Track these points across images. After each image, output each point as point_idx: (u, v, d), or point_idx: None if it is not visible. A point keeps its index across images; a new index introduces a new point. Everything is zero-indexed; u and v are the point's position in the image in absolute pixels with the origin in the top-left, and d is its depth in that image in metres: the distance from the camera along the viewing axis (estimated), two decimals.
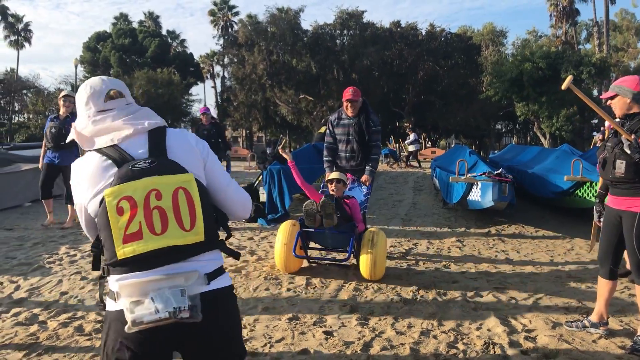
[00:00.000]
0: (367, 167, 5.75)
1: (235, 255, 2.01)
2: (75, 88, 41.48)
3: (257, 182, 9.48)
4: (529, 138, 49.24)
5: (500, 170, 7.22)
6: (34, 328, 4.05)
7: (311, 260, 5.66)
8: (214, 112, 56.20)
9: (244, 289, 4.99)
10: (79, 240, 6.84)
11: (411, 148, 21.03)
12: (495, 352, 3.65)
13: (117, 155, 1.80)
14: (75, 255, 6.09)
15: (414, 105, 39.33)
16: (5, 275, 5.26)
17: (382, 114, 40.22)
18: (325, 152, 5.95)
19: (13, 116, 52.66)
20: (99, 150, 1.84)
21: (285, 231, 5.26)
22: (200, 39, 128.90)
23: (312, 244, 5.55)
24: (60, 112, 7.55)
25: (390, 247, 6.68)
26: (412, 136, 21.16)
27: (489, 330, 4.03)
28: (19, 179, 9.64)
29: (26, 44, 57.14)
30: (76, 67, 42.57)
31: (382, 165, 21.42)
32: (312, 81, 37.02)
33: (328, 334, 3.96)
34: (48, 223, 7.80)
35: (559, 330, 4.03)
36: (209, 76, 60.86)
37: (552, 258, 6.18)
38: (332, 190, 5.23)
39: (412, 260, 6.09)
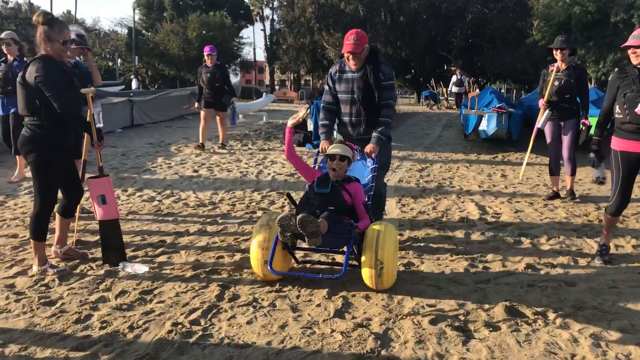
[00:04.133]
0: (374, 134, 4.31)
1: None
2: (133, 31, 43.64)
3: (305, 115, 11.24)
4: None
5: (502, 104, 8.72)
6: (155, 204, 6.00)
7: (297, 268, 4.20)
8: (262, 55, 57.33)
9: (295, 193, 6.84)
10: (171, 154, 8.83)
11: (455, 89, 20.97)
12: (467, 222, 5.36)
13: None
14: (170, 163, 8.09)
15: (462, 48, 39.63)
16: (125, 174, 7.25)
17: (428, 57, 40.80)
18: (321, 115, 4.63)
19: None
20: None
21: (262, 230, 3.83)
22: None
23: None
24: (9, 56, 6.57)
25: (410, 166, 8.37)
26: (454, 78, 21.04)
27: (467, 212, 5.73)
28: (111, 110, 11.68)
29: None
30: (134, 10, 44.59)
31: (422, 106, 22.71)
32: (360, 24, 37.66)
33: None
34: (14, 179, 6.89)
35: (519, 214, 5.68)
36: (258, 19, 61.95)
37: (540, 175, 7.72)
38: (332, 169, 3.90)
39: (426, 174, 7.78)
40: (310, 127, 10.49)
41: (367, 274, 3.64)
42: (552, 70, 6.18)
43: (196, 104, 9.75)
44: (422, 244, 4.72)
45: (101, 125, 4.58)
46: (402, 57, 39.38)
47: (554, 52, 6.09)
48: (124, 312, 3.41)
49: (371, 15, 37.41)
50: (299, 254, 4.25)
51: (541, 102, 6.22)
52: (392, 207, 5.90)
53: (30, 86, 3.78)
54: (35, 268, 4.06)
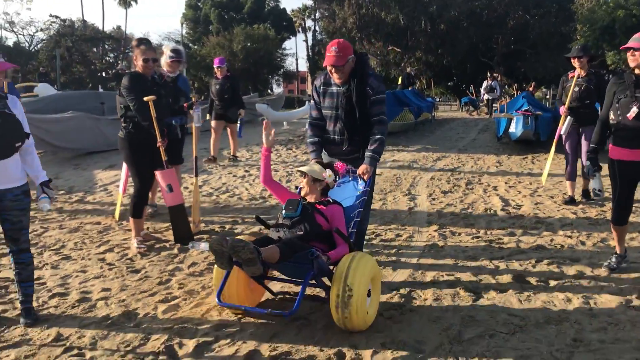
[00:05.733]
0: (367, 153, 3.95)
1: None
2: (181, 45, 45.49)
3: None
4: None
5: (529, 107, 9.26)
6: (213, 198, 6.87)
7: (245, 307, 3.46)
8: (304, 66, 58.40)
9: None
10: (224, 157, 9.69)
11: (486, 96, 20.47)
12: (490, 212, 5.99)
13: None
14: (224, 164, 8.99)
15: (504, 55, 39.68)
16: (184, 175, 8.15)
17: (470, 64, 40.95)
18: (309, 132, 4.28)
19: (120, 70, 57.92)
20: None
21: None
22: None
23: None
24: None
25: (443, 165, 8.99)
26: (484, 84, 20.63)
27: (491, 204, 6.33)
28: None
29: (133, 3, 61.98)
30: (182, 24, 46.56)
31: (462, 112, 23.10)
32: (400, 33, 38.40)
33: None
34: None
35: (538, 206, 6.25)
36: (300, 30, 63.27)
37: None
38: (303, 189, 3.71)
39: (457, 172, 8.39)
40: None
41: (334, 309, 3.14)
42: (571, 77, 6.34)
43: (207, 116, 9.39)
44: (446, 230, 5.37)
45: (199, 124, 5.52)
46: (443, 64, 39.73)
47: (572, 60, 6.28)
48: (196, 277, 4.22)
49: (412, 23, 37.94)
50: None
51: (562, 109, 6.36)
52: (422, 201, 6.56)
53: (120, 95, 4.74)
54: (132, 240, 4.96)
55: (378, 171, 8.49)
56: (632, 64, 3.92)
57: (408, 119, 13.03)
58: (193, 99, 5.51)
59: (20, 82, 26.60)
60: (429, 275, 4.20)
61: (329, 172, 3.69)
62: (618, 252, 4.30)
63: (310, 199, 3.62)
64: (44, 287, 4.01)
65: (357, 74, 3.94)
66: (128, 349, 3.13)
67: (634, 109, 3.82)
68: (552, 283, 4.02)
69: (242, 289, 3.52)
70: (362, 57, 4.06)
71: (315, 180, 3.63)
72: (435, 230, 5.36)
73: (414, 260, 4.55)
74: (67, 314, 3.60)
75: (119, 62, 43.62)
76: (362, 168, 3.90)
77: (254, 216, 3.98)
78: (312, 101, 4.23)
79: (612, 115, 3.98)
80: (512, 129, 9.70)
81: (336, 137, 4.10)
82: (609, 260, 4.29)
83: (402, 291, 3.89)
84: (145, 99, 4.72)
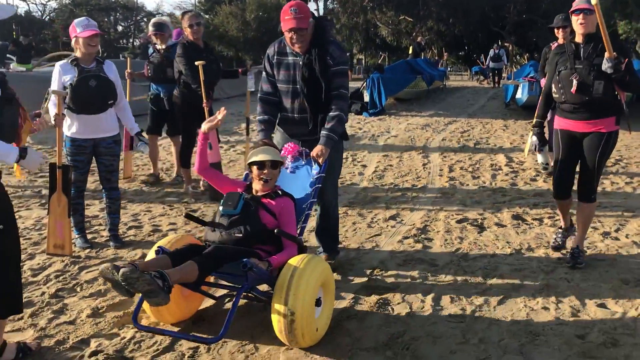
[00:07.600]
0: (323, 132, 3.42)
1: None
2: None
3: (362, 87, 12.71)
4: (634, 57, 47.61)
5: (535, 74, 9.93)
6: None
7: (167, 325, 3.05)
8: None
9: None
10: (251, 121, 10.44)
11: (492, 65, 19.62)
12: (495, 167, 6.74)
13: None
14: (252, 127, 9.73)
15: (515, 24, 39.70)
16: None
17: (481, 34, 41.04)
18: (259, 108, 3.62)
19: (132, 40, 58.33)
20: None
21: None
22: None
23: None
24: None
25: (454, 129, 9.72)
26: (491, 52, 19.95)
27: (497, 160, 7.09)
28: None
29: None
30: None
31: (473, 82, 23.62)
32: (412, 2, 38.48)
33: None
34: None
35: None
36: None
37: None
38: (264, 181, 3.04)
39: (467, 135, 9.12)
40: (366, 98, 11.96)
41: (275, 325, 2.68)
42: (553, 48, 6.66)
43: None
44: (456, 181, 6.15)
45: (253, 89, 6.23)
46: (455, 34, 39.83)
47: (556, 31, 5.98)
48: None
49: None
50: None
51: (543, 82, 6.14)
52: (435, 158, 7.33)
53: (175, 61, 5.50)
54: (185, 185, 5.78)
55: (393, 133, 9.32)
56: (580, 30, 3.60)
57: (421, 87, 13.70)
58: (248, 65, 6.27)
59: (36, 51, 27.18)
60: (441, 215, 4.99)
61: (285, 154, 3.42)
62: (563, 227, 4.20)
63: (261, 191, 3.08)
64: (121, 222, 4.82)
65: (317, 40, 3.44)
66: None
67: (575, 82, 3.57)
68: (546, 221, 4.80)
69: (174, 298, 2.79)
70: (323, 22, 3.56)
71: (276, 167, 3.10)
72: (446, 182, 6.14)
73: (428, 204, 5.34)
74: (145, 240, 4.43)
75: (141, 34, 43.85)
76: (317, 149, 3.37)
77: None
78: (263, 73, 3.64)
79: (553, 89, 3.77)
80: (518, 95, 10.43)
81: (295, 115, 3.57)
82: (554, 238, 4.19)
83: (418, 225, 4.68)
84: (196, 63, 5.47)
